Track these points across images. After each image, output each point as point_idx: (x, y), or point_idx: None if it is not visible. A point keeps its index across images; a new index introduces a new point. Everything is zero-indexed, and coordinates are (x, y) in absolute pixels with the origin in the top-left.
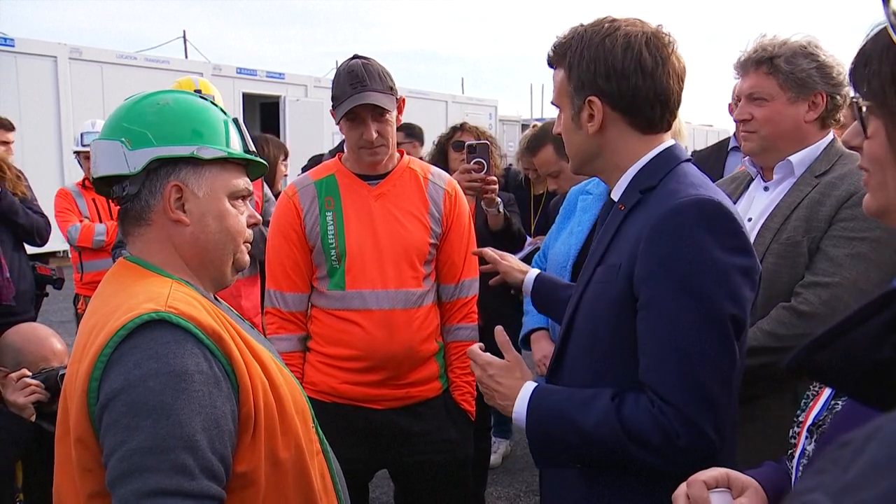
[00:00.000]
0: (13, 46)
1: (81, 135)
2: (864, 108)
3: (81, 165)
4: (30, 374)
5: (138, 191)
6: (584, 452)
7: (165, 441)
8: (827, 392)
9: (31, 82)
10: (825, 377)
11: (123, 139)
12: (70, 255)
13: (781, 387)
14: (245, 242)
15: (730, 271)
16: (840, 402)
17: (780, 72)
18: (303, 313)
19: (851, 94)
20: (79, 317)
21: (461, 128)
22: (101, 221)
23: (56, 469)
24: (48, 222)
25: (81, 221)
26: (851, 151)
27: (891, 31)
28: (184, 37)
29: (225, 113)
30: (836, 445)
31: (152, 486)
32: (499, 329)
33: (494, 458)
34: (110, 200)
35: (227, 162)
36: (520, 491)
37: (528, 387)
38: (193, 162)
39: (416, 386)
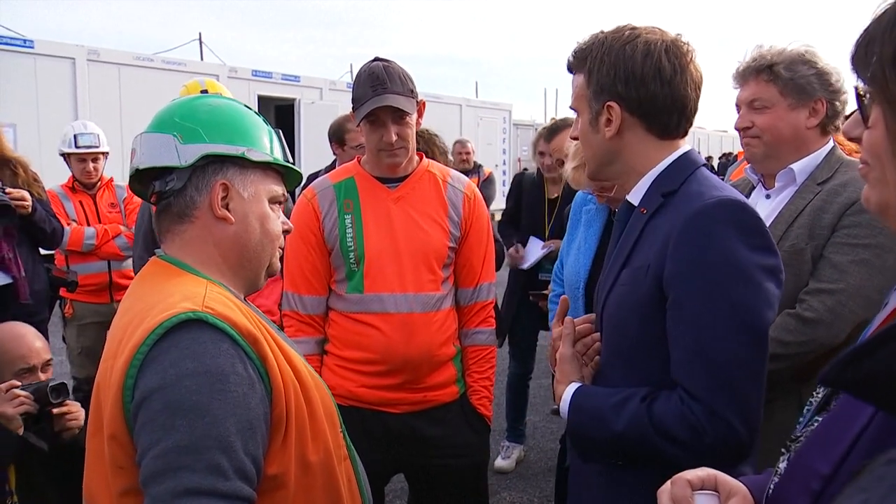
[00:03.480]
0: (32, 48)
1: (75, 136)
2: (865, 96)
3: (71, 167)
4: (19, 384)
5: (183, 186)
6: (618, 451)
7: (201, 441)
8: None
9: (49, 83)
10: (864, 390)
11: (175, 133)
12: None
13: (787, 392)
14: (279, 248)
15: (757, 270)
16: (819, 418)
17: (779, 79)
18: (321, 316)
19: (853, 93)
20: (66, 320)
21: None
22: (88, 224)
23: (87, 465)
24: (62, 226)
25: (69, 224)
26: (852, 159)
27: None
28: (199, 39)
29: (268, 124)
30: (882, 462)
31: (187, 486)
32: (568, 319)
33: (508, 463)
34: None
35: (269, 168)
36: (533, 496)
37: (572, 387)
38: (240, 163)
39: (434, 390)
